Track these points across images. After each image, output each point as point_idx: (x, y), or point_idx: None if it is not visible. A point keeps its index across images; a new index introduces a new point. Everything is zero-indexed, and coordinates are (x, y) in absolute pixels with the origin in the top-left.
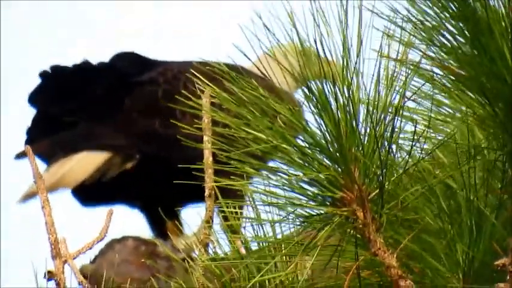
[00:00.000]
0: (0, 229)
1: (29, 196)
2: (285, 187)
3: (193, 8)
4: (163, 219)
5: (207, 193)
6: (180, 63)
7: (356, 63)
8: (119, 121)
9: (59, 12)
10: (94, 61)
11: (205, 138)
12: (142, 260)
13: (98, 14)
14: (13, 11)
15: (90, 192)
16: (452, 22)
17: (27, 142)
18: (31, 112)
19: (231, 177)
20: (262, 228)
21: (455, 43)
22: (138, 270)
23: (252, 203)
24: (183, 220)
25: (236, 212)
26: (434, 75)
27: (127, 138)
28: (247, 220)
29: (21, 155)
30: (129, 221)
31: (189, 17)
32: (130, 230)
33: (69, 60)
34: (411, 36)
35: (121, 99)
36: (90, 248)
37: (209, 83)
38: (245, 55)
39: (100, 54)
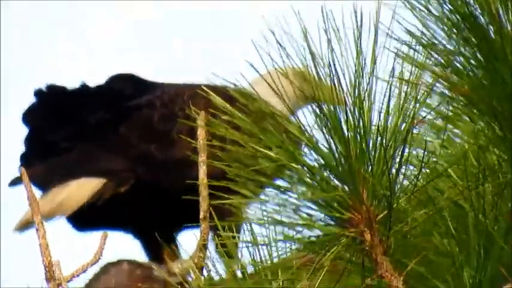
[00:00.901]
0: (0, 229)
1: (26, 224)
2: (292, 206)
3: (193, 8)
4: (158, 243)
5: (201, 215)
6: (179, 85)
7: (368, 83)
8: (115, 145)
9: (59, 12)
10: (91, 82)
11: (200, 158)
12: (139, 285)
13: (98, 14)
14: (13, 11)
15: (84, 218)
16: (465, 45)
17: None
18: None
19: (233, 196)
20: (259, 251)
21: (468, 66)
22: None
23: (250, 223)
24: (179, 244)
25: (233, 235)
26: (446, 97)
27: (124, 163)
28: (246, 242)
29: (15, 182)
30: (124, 244)
31: (189, 16)
32: (125, 253)
33: (69, 59)
34: (424, 59)
35: (117, 123)
36: (85, 271)
37: (219, 99)
38: (256, 71)
39: (100, 54)
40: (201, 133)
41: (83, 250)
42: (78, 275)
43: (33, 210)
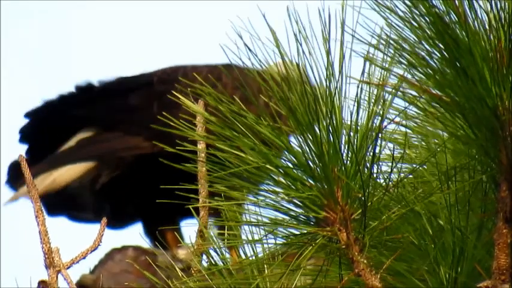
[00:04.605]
0: (0, 229)
1: (15, 198)
2: (268, 206)
3: (193, 7)
4: (160, 227)
5: (200, 202)
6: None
7: (338, 84)
8: (135, 122)
9: (60, 12)
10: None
11: (198, 146)
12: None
13: (99, 15)
14: (13, 10)
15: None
16: (432, 44)
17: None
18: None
19: (215, 197)
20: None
21: (435, 66)
22: (138, 280)
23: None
24: (182, 230)
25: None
26: (416, 98)
27: (147, 138)
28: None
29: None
30: (129, 230)
31: (189, 16)
32: (131, 239)
33: (72, 60)
34: (391, 60)
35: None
36: (84, 258)
37: (191, 103)
38: (227, 75)
39: (101, 54)
40: (199, 120)
41: (83, 236)
42: (77, 262)
43: (32, 197)
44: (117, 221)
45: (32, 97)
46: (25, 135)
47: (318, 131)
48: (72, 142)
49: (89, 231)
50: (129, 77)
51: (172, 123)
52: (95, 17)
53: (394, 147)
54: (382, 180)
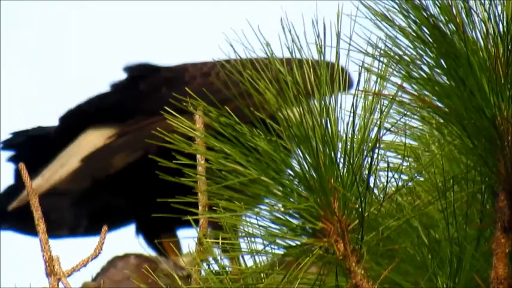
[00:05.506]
0: (0, 237)
1: (16, 206)
2: (265, 218)
3: (193, 7)
4: (157, 234)
5: (200, 210)
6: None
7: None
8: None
9: (60, 12)
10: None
11: (198, 156)
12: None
13: (99, 15)
14: (13, 10)
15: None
16: (430, 54)
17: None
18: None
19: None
20: (243, 259)
21: (433, 76)
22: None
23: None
24: (180, 237)
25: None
26: (414, 108)
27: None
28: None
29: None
30: (131, 238)
31: (189, 16)
32: (133, 246)
33: (72, 60)
34: (388, 69)
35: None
36: (85, 266)
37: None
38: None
39: (101, 54)
40: (199, 126)
41: (83, 244)
42: (78, 270)
43: (33, 206)
44: (95, 229)
45: (32, 97)
46: (10, 144)
47: (314, 142)
48: (92, 141)
49: (90, 240)
50: (135, 66)
51: (168, 138)
52: (95, 17)
53: (388, 162)
54: (379, 191)
